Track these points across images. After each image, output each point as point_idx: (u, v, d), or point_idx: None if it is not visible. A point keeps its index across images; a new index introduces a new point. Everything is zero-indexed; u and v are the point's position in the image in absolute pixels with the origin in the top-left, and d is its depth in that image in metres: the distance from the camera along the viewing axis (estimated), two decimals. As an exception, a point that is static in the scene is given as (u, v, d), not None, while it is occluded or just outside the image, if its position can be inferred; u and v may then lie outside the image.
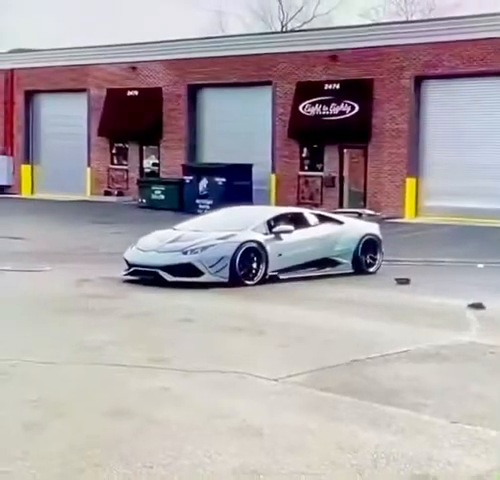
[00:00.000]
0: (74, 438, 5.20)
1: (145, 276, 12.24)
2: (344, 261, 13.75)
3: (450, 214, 23.72)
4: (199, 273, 12.04)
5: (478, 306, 10.26)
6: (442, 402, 6.15)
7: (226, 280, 12.05)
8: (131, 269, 12.40)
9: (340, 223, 14.11)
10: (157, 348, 7.85)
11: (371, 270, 13.95)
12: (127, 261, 12.52)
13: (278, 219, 13.33)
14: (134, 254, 12.55)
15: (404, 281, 12.61)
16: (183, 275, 11.98)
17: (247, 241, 12.40)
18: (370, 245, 14.04)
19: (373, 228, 14.53)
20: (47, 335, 8.49)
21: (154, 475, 4.57)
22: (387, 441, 5.22)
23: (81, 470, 4.65)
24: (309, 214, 14.17)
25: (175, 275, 11.97)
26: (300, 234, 13.23)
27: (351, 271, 13.75)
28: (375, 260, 14.07)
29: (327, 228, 13.80)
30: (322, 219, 14.07)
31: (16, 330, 8.81)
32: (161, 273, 12.02)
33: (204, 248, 12.16)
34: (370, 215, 16.22)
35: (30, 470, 4.63)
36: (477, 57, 23.83)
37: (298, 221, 13.57)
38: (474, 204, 23.48)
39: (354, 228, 14.20)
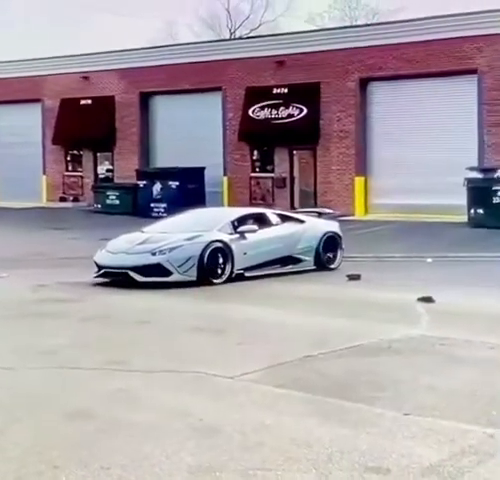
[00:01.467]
0: (32, 442, 5.21)
1: (115, 277, 12.52)
2: (306, 258, 14.17)
3: (398, 211, 24.20)
4: (168, 273, 12.41)
5: (428, 299, 10.50)
6: (394, 395, 6.24)
7: (194, 279, 12.43)
8: (101, 271, 12.69)
9: (301, 222, 14.58)
10: (115, 350, 7.90)
11: (332, 266, 14.38)
12: (97, 263, 12.78)
13: (242, 219, 13.78)
14: (104, 256, 12.87)
15: (355, 277, 12.89)
16: (152, 275, 12.35)
17: (213, 241, 12.82)
18: (331, 242, 14.49)
19: (333, 226, 15.02)
20: (3, 341, 8.51)
21: (111, 476, 4.60)
22: (341, 435, 5.31)
23: (39, 473, 4.67)
24: (271, 214, 14.66)
25: (145, 275, 12.34)
26: (264, 233, 13.70)
27: (313, 267, 14.16)
28: (336, 257, 14.53)
29: (289, 227, 14.26)
30: (284, 218, 14.55)
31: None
32: (131, 274, 12.38)
33: (172, 249, 12.54)
34: (329, 214, 16.68)
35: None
36: (419, 59, 24.35)
37: (261, 221, 14.04)
38: (421, 200, 24.00)
39: (315, 226, 14.65)
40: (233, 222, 13.56)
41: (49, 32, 50.05)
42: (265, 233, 13.76)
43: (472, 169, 22.23)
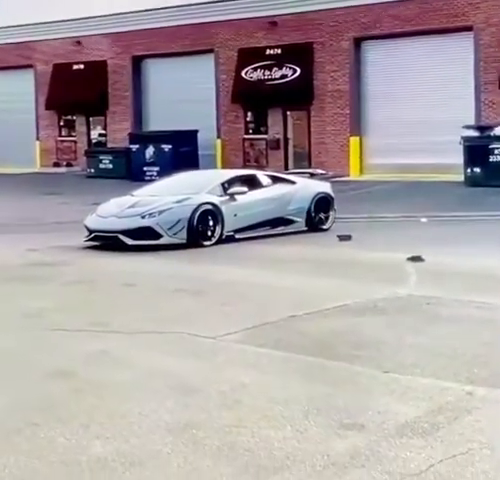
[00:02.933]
0: (12, 401, 5.27)
1: (106, 241, 12.56)
2: (298, 220, 14.09)
3: (394, 171, 24.08)
4: (158, 236, 12.45)
5: (417, 259, 10.42)
6: (375, 353, 6.24)
7: (184, 241, 12.45)
8: (92, 235, 12.73)
9: (293, 183, 14.45)
10: (99, 312, 7.92)
11: (324, 227, 14.29)
12: (87, 227, 12.83)
13: (232, 181, 13.65)
14: (94, 220, 12.91)
15: (346, 237, 12.82)
16: (142, 238, 12.39)
17: (203, 203, 12.78)
18: (323, 203, 14.37)
19: (325, 187, 14.90)
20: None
21: (91, 433, 4.67)
22: (319, 393, 5.32)
23: (19, 430, 4.74)
24: (262, 175, 14.55)
25: (135, 238, 12.38)
26: (254, 195, 13.60)
27: (305, 229, 14.11)
28: (328, 217, 14.42)
29: (280, 188, 14.14)
30: (275, 180, 14.42)
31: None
32: (121, 237, 12.41)
33: (161, 212, 12.55)
34: (322, 174, 16.59)
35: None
36: (414, 17, 24.06)
37: (252, 183, 13.92)
38: (416, 160, 23.88)
39: (307, 187, 14.54)
40: (223, 184, 13.47)
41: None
42: (255, 195, 13.66)
43: (468, 127, 22.04)
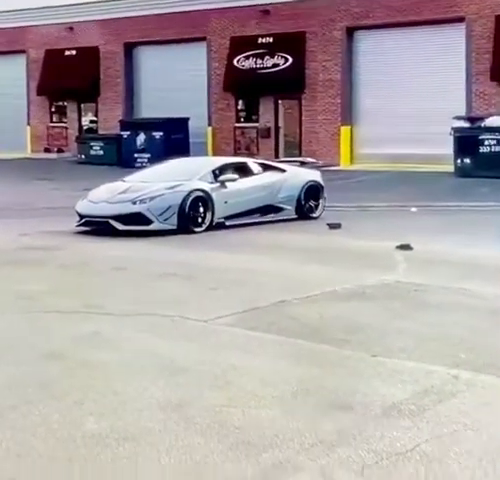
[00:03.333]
0: (7, 380, 5.36)
1: (97, 226, 12.65)
2: (288, 207, 14.17)
3: (384, 160, 24.19)
4: (148, 221, 12.54)
5: (406, 247, 10.53)
6: (364, 338, 6.35)
7: (175, 227, 12.53)
8: (83, 220, 12.82)
9: (283, 171, 14.53)
10: (90, 295, 8.00)
11: (314, 215, 14.37)
12: (79, 213, 12.91)
13: (223, 169, 13.71)
14: (85, 206, 12.99)
15: (336, 225, 12.90)
16: (133, 224, 12.49)
17: (194, 190, 12.86)
18: (313, 191, 14.46)
19: (315, 175, 14.99)
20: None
21: (84, 410, 4.78)
22: (308, 375, 5.43)
23: (14, 407, 4.84)
24: (253, 163, 14.63)
25: (125, 224, 12.46)
26: (245, 182, 13.68)
27: (295, 216, 14.19)
28: (318, 205, 14.52)
29: (271, 176, 14.22)
30: (265, 168, 14.50)
31: None
32: (112, 222, 12.50)
33: (152, 198, 12.65)
34: (312, 163, 16.67)
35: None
36: (406, 7, 24.12)
37: (242, 170, 14.00)
38: (407, 150, 23.98)
39: (297, 175, 14.63)
40: (214, 171, 13.54)
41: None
42: (246, 182, 13.74)
43: (459, 118, 22.16)
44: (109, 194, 13.06)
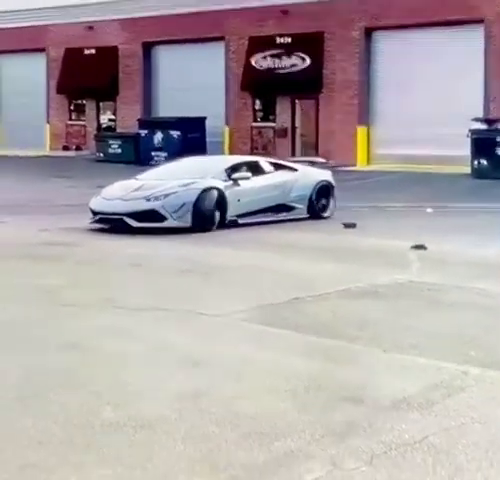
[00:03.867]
0: (26, 369, 5.51)
1: (111, 223, 12.70)
2: (299, 206, 14.19)
3: (401, 161, 24.23)
4: (163, 218, 12.57)
5: (420, 247, 10.59)
6: (376, 334, 6.45)
7: (189, 225, 12.57)
8: (96, 217, 12.90)
9: (294, 170, 14.60)
10: (107, 290, 8.15)
11: (325, 215, 14.41)
12: (92, 210, 12.98)
13: (236, 167, 13.78)
14: (99, 203, 13.04)
15: (351, 225, 12.96)
16: (147, 221, 12.53)
17: (208, 188, 12.87)
18: (324, 191, 14.50)
19: (326, 175, 15.04)
20: (3, 280, 8.77)
21: (102, 399, 4.91)
22: (321, 369, 5.53)
23: (35, 395, 5.01)
24: (265, 162, 14.70)
25: (139, 221, 12.50)
26: (257, 181, 13.73)
27: (306, 216, 14.24)
28: (328, 205, 14.55)
29: (282, 175, 14.27)
30: (277, 167, 14.56)
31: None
32: (126, 219, 12.53)
33: (167, 195, 12.68)
34: (322, 163, 16.75)
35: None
36: (424, 8, 24.12)
37: (255, 169, 14.04)
38: (424, 151, 24.01)
39: (308, 175, 14.69)
40: (227, 169, 13.60)
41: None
42: (259, 181, 13.79)
43: (476, 120, 22.20)
44: (123, 192, 13.11)
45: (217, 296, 7.89)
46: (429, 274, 9.03)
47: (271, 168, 14.38)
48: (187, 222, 12.62)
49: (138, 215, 12.55)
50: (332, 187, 14.76)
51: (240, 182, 13.44)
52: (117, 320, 6.87)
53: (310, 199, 14.29)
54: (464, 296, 7.97)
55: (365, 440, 4.33)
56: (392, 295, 7.95)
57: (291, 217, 14.07)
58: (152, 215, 12.55)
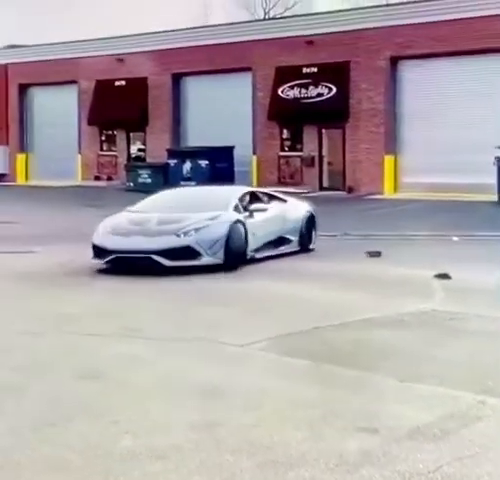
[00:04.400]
0: (47, 399, 5.60)
1: (134, 262, 11.35)
2: (293, 238, 13.50)
3: (428, 190, 24.18)
4: (197, 255, 11.41)
5: (444, 276, 10.55)
6: (395, 364, 6.47)
7: (221, 261, 11.49)
8: (112, 256, 11.42)
9: (284, 201, 14.09)
10: (129, 319, 8.26)
11: (311, 247, 13.80)
12: (105, 248, 11.52)
13: (242, 199, 12.95)
14: (114, 240, 11.59)
15: (375, 254, 12.91)
16: (180, 258, 11.26)
17: (235, 221, 11.92)
18: (311, 222, 13.99)
19: (309, 206, 14.43)
20: (27, 308, 8.94)
21: (120, 428, 4.99)
22: (337, 399, 5.59)
23: (53, 424, 5.07)
24: (260, 193, 14.16)
25: (172, 259, 11.21)
26: (263, 213, 12.94)
27: (297, 248, 13.51)
28: (313, 237, 13.98)
29: (278, 206, 13.62)
30: (270, 197, 13.91)
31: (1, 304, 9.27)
32: (156, 258, 11.19)
33: (197, 229, 11.52)
34: (300, 193, 16.20)
35: (6, 424, 5.10)
36: (450, 37, 24.23)
37: (255, 200, 13.28)
38: (450, 179, 23.95)
39: (296, 206, 14.12)
40: (240, 200, 12.68)
41: (86, 14, 50.48)
42: (265, 213, 13.01)
43: (502, 147, 22.14)
44: (138, 226, 11.78)
45: (239, 326, 7.97)
46: (453, 303, 9.05)
47: (266, 199, 13.66)
48: (220, 258, 11.50)
49: (170, 252, 11.19)
50: (315, 218, 14.20)
51: (255, 214, 12.61)
52: (137, 350, 6.95)
53: (301, 231, 13.62)
54: (486, 325, 7.98)
55: (379, 469, 4.37)
56: (415, 324, 7.96)
57: (288, 250, 13.30)
58: (186, 252, 11.28)
